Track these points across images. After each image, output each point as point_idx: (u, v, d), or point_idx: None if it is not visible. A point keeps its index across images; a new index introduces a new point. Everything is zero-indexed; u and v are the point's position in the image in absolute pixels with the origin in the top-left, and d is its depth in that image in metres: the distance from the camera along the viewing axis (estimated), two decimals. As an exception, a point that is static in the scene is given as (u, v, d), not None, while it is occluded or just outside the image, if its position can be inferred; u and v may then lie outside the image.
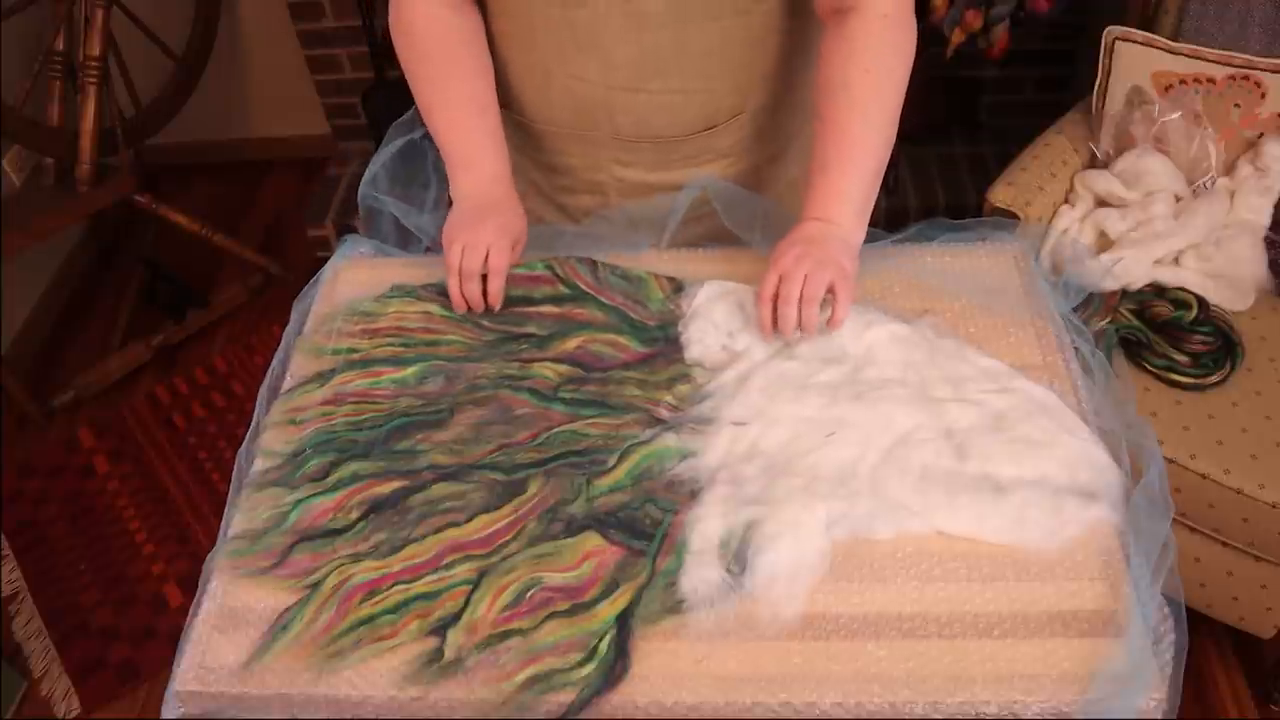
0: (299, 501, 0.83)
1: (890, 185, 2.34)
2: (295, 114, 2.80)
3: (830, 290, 0.89)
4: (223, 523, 0.85)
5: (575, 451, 0.85)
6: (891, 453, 0.82)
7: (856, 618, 0.73)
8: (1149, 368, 1.46)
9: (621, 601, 0.75)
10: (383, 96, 2.47)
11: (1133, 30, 1.62)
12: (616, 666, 0.71)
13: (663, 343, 0.96)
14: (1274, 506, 1.31)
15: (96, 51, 2.07)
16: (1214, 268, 1.53)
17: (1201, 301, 1.47)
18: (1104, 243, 1.59)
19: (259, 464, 0.88)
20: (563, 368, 0.93)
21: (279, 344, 0.99)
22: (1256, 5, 1.56)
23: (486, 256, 0.96)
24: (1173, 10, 1.64)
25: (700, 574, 0.75)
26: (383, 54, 2.42)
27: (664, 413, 0.88)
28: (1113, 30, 1.63)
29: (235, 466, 0.88)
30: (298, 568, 0.79)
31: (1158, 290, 1.51)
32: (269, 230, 2.72)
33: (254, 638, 0.75)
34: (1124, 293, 1.52)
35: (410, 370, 0.94)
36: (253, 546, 0.81)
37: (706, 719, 0.70)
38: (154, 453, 2.14)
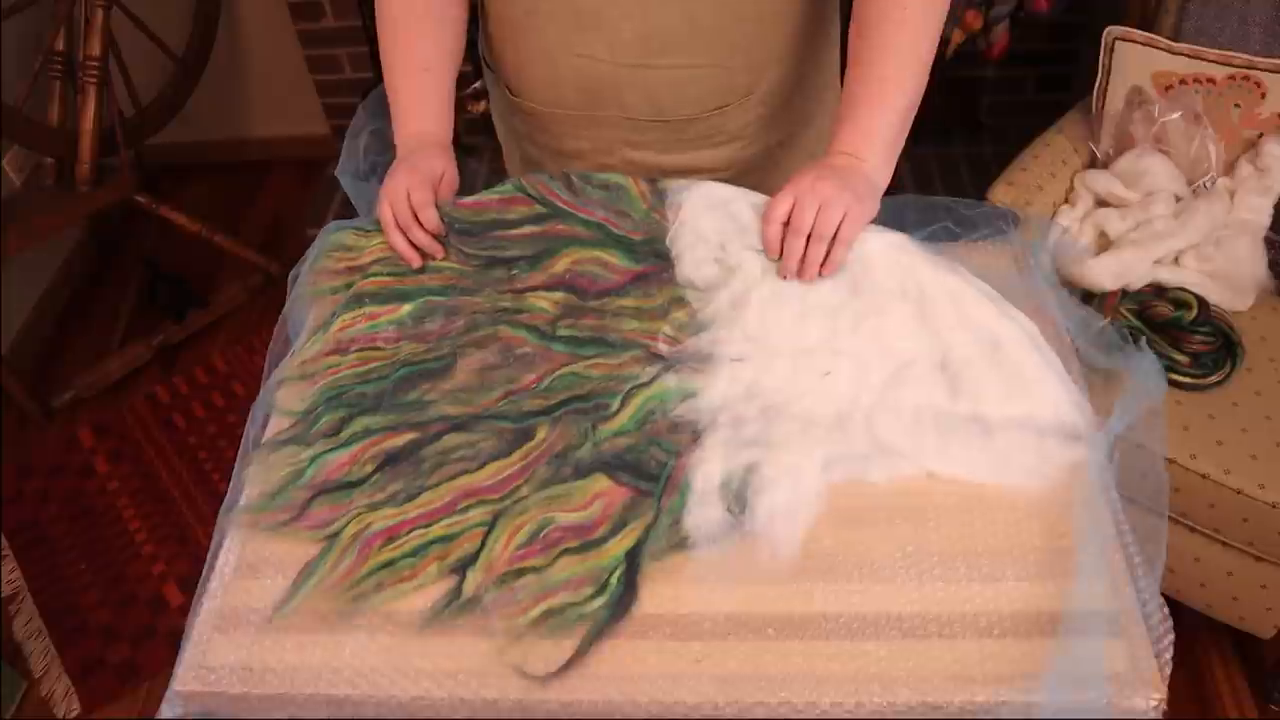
0: (315, 457, 0.85)
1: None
2: (295, 114, 2.80)
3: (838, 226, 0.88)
4: (231, 484, 0.86)
5: (579, 396, 0.87)
6: (885, 394, 0.84)
7: (856, 618, 0.73)
8: (1149, 368, 1.46)
9: (630, 538, 0.78)
10: (383, 96, 2.47)
11: (1133, 30, 1.62)
12: (625, 598, 0.75)
13: (653, 259, 0.96)
14: (1274, 506, 1.31)
15: (96, 51, 2.07)
16: (1214, 268, 1.53)
17: (1201, 301, 1.47)
18: (1104, 243, 1.59)
19: (274, 424, 0.89)
20: (557, 295, 0.94)
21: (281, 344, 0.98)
22: (1256, 5, 1.56)
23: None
24: (1173, 10, 1.64)
25: (703, 513, 0.79)
26: (383, 54, 2.43)
27: (662, 347, 0.90)
28: (1113, 30, 1.63)
29: (247, 423, 0.89)
30: (317, 519, 0.81)
31: (1158, 290, 1.51)
32: (269, 230, 2.72)
33: (280, 588, 0.78)
34: (1124, 293, 1.52)
35: (406, 309, 0.95)
36: (272, 502, 0.83)
37: (706, 719, 0.70)
38: (154, 453, 2.14)
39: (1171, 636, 0.71)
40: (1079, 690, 0.68)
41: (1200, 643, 1.62)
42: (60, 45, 2.12)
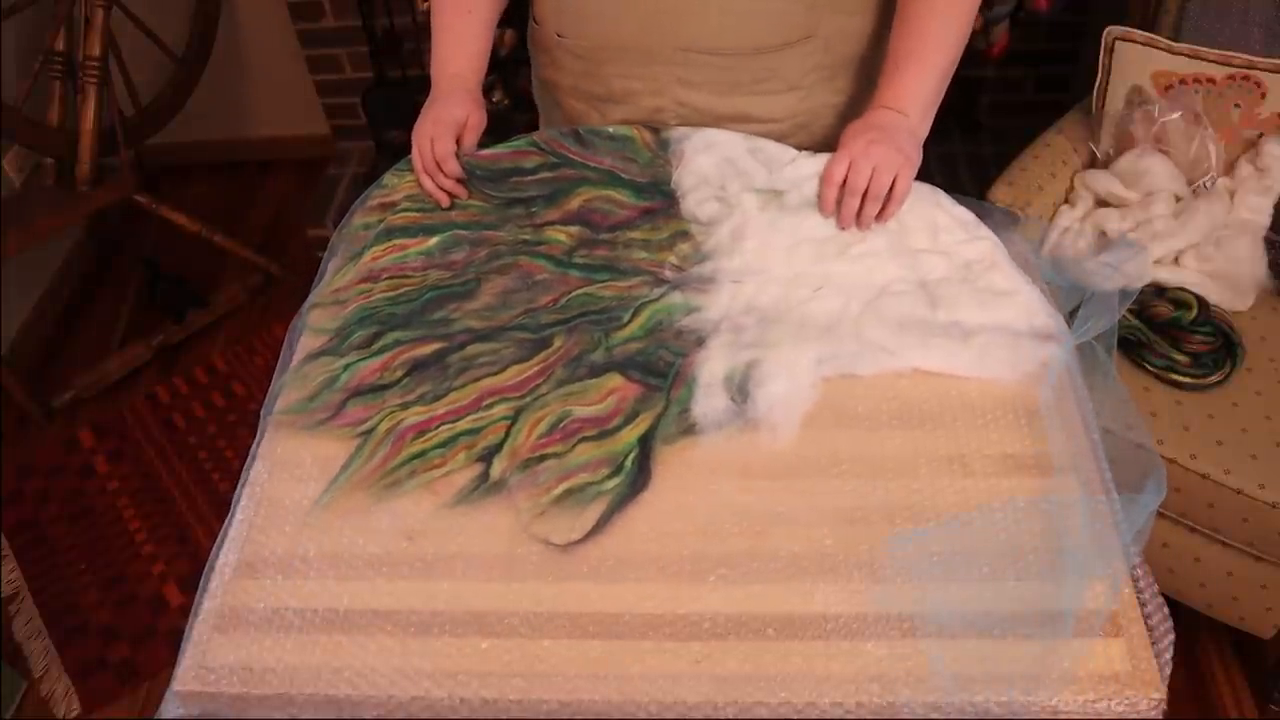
0: (348, 365, 0.92)
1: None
2: (295, 114, 2.80)
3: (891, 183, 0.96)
4: (269, 393, 0.92)
5: (593, 311, 0.96)
6: (872, 304, 0.93)
7: (856, 618, 0.73)
8: (1149, 368, 1.46)
9: (643, 426, 0.86)
10: (383, 96, 2.47)
11: (1133, 30, 1.62)
12: (640, 479, 0.82)
13: (659, 197, 1.05)
14: (1274, 506, 1.31)
15: (96, 51, 2.07)
16: (1214, 268, 1.53)
17: (1201, 301, 1.47)
18: (1104, 243, 1.59)
19: (307, 342, 0.96)
20: (573, 228, 1.03)
21: (281, 343, 1.00)
22: (1256, 5, 1.56)
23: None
24: (1173, 10, 1.64)
25: (709, 402, 0.87)
26: (383, 54, 2.42)
27: (668, 274, 0.99)
28: (1113, 30, 1.63)
29: (285, 340, 0.97)
30: (352, 418, 0.88)
31: (1158, 290, 1.51)
32: (269, 230, 2.72)
33: (315, 488, 0.83)
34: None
35: (433, 241, 1.03)
36: (309, 404, 0.90)
37: (706, 719, 0.70)
38: (154, 453, 2.14)
39: (1171, 636, 0.71)
40: (1078, 690, 0.68)
41: (1200, 643, 1.62)
42: (60, 45, 2.12)
